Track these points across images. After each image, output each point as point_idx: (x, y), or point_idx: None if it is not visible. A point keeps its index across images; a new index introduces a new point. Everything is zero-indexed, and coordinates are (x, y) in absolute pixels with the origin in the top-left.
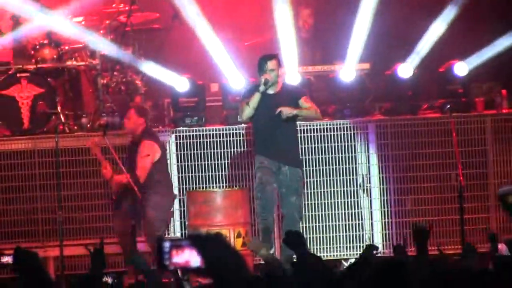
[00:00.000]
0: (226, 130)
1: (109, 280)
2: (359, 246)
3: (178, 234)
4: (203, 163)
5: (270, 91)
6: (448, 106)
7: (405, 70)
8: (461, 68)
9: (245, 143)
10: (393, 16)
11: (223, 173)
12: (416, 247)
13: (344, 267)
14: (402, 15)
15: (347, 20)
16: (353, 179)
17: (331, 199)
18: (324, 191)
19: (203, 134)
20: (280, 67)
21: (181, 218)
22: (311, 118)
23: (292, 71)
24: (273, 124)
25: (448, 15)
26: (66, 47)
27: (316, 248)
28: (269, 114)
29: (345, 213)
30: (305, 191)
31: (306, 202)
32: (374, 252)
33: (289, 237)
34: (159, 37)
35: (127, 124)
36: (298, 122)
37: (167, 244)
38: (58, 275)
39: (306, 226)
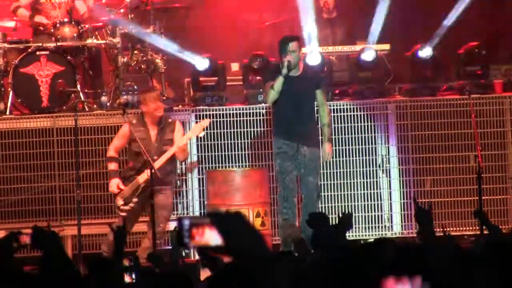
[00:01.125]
0: (246, 109)
1: (126, 262)
2: (378, 226)
3: (197, 213)
4: (223, 142)
5: (293, 73)
6: (467, 87)
7: (425, 51)
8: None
9: (265, 123)
10: None
11: (243, 152)
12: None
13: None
14: None
15: (368, 0)
16: (372, 159)
17: (350, 179)
18: (343, 171)
19: (223, 114)
20: (302, 48)
21: (200, 197)
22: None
23: (313, 52)
24: (295, 106)
25: None
26: (87, 25)
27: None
28: (290, 96)
29: (364, 194)
30: (324, 171)
31: (325, 182)
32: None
33: (313, 217)
34: (180, 15)
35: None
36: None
37: (187, 222)
38: (75, 254)
39: (324, 207)
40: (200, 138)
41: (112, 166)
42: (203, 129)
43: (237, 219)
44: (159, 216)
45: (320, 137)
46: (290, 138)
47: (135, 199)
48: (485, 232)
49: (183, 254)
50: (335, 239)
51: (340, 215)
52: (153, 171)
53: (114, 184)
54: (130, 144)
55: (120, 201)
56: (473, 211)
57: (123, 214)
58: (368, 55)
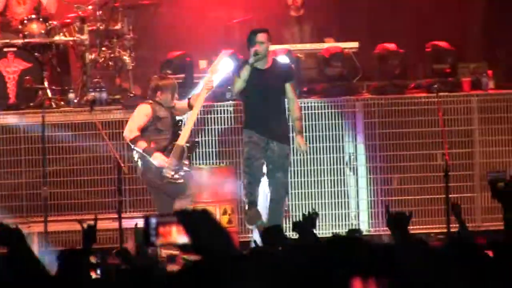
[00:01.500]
0: (213, 107)
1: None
2: (345, 224)
3: None
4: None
5: (261, 67)
6: (435, 85)
7: (392, 49)
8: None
9: (232, 120)
10: None
11: (210, 150)
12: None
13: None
14: None
15: None
16: (340, 157)
17: (317, 177)
18: (311, 169)
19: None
20: (270, 41)
21: None
22: None
23: (281, 49)
24: (263, 99)
25: None
26: (54, 22)
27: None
28: (260, 89)
29: (331, 191)
30: (292, 168)
31: (293, 180)
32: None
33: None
34: (149, 13)
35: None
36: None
37: (153, 221)
38: (42, 251)
39: (292, 204)
40: None
41: (144, 144)
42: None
43: (203, 217)
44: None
45: (290, 134)
46: (260, 131)
47: (186, 162)
48: (452, 230)
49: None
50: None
51: (306, 214)
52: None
53: (160, 156)
54: (153, 123)
55: (170, 173)
56: (452, 204)
57: (180, 181)
58: (335, 53)
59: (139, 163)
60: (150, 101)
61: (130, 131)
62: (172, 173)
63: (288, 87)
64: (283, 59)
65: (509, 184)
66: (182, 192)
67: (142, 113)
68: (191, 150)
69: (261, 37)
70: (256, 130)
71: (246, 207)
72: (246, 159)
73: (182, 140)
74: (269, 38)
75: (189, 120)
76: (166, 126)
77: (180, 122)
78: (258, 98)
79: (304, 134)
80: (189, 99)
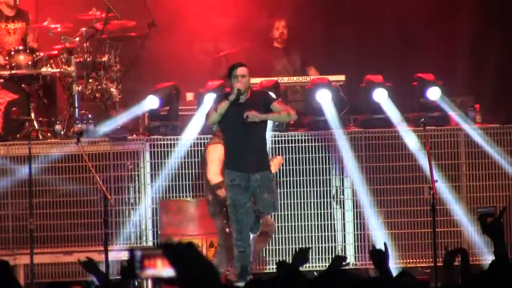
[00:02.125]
0: (200, 139)
1: None
2: (332, 257)
3: (150, 244)
4: (177, 172)
5: (240, 100)
6: (422, 119)
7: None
8: (434, 93)
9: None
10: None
11: (197, 182)
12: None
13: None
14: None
15: (321, 31)
16: (327, 190)
17: (304, 210)
18: (297, 202)
19: (177, 143)
20: (250, 75)
21: (153, 227)
22: (284, 120)
23: (268, 81)
24: (242, 133)
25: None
26: (41, 54)
27: (289, 259)
28: (240, 124)
29: (318, 225)
30: (279, 201)
31: (280, 213)
32: (344, 263)
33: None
34: (136, 45)
35: None
36: (272, 133)
37: (138, 254)
38: (28, 283)
39: (278, 237)
40: (153, 167)
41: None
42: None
43: (189, 249)
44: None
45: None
46: (241, 169)
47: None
48: (439, 264)
49: (136, 284)
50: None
51: (297, 250)
52: None
53: None
54: None
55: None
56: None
57: None
58: (323, 86)
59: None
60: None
61: (214, 174)
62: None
63: (274, 107)
64: (261, 89)
65: (497, 219)
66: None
67: (219, 156)
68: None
69: (240, 71)
70: (236, 169)
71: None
72: (231, 206)
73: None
74: (249, 71)
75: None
76: None
77: None
78: (238, 132)
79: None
80: None
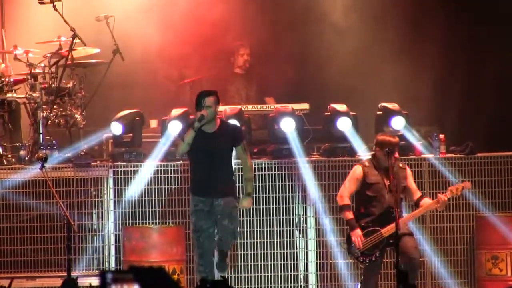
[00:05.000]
0: (163, 166)
1: None
2: (294, 286)
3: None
4: (139, 199)
5: (208, 130)
6: (387, 148)
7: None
8: (398, 123)
9: (181, 180)
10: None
11: (160, 209)
12: None
13: None
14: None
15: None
16: (289, 219)
17: (267, 238)
18: (260, 230)
19: (141, 170)
20: (218, 104)
21: (116, 253)
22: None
23: (232, 109)
24: (209, 163)
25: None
26: (7, 79)
27: (251, 287)
28: (205, 153)
29: (280, 253)
30: (241, 229)
31: (242, 241)
32: None
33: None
34: (100, 71)
35: None
36: (237, 161)
37: (109, 277)
38: None
39: (241, 265)
40: (116, 193)
41: (350, 215)
42: None
43: (159, 274)
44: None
45: (236, 190)
46: (205, 194)
47: (377, 252)
48: None
49: None
50: None
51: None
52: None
53: (358, 236)
54: (363, 188)
55: (357, 252)
56: None
57: (362, 266)
58: (287, 115)
59: None
60: (366, 163)
61: (341, 196)
62: (359, 253)
63: (238, 149)
64: (232, 121)
65: None
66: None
67: (352, 177)
68: (384, 247)
69: (208, 101)
70: (200, 194)
71: (198, 282)
72: (194, 231)
73: (386, 232)
74: (217, 100)
75: (420, 209)
76: (376, 193)
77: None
78: (204, 162)
79: (253, 196)
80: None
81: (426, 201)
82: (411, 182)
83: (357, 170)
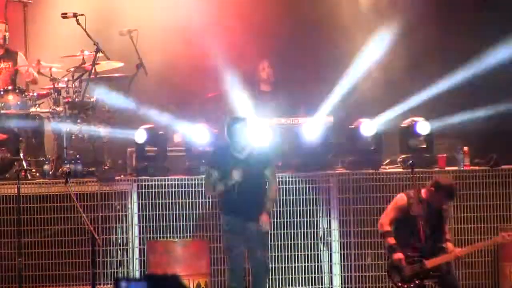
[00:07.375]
0: (187, 180)
1: None
2: None
3: None
4: (164, 212)
5: (239, 155)
6: (410, 161)
7: (368, 126)
8: (423, 127)
9: (205, 194)
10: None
11: (184, 223)
12: None
13: None
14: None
15: (305, 73)
16: (314, 232)
17: (292, 251)
18: (285, 244)
19: (165, 184)
20: (248, 128)
21: (141, 267)
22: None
23: (255, 124)
24: (241, 187)
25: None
26: (30, 93)
27: None
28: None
29: (305, 266)
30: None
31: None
32: None
33: None
34: (123, 85)
35: None
36: None
37: (124, 284)
38: None
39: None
40: (141, 207)
41: (392, 240)
42: None
43: (174, 282)
44: None
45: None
46: (236, 214)
47: (417, 281)
48: None
49: None
50: None
51: None
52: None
53: (400, 258)
54: (405, 218)
55: (397, 277)
56: None
57: None
58: (311, 128)
59: None
60: (411, 193)
61: (383, 224)
62: (399, 278)
63: (267, 173)
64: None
65: None
66: None
67: (397, 206)
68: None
69: (239, 127)
70: (232, 214)
71: None
72: (225, 249)
73: (430, 264)
74: (248, 126)
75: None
76: (416, 226)
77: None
78: (236, 186)
79: (270, 210)
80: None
81: (449, 245)
82: (446, 223)
83: (402, 199)
